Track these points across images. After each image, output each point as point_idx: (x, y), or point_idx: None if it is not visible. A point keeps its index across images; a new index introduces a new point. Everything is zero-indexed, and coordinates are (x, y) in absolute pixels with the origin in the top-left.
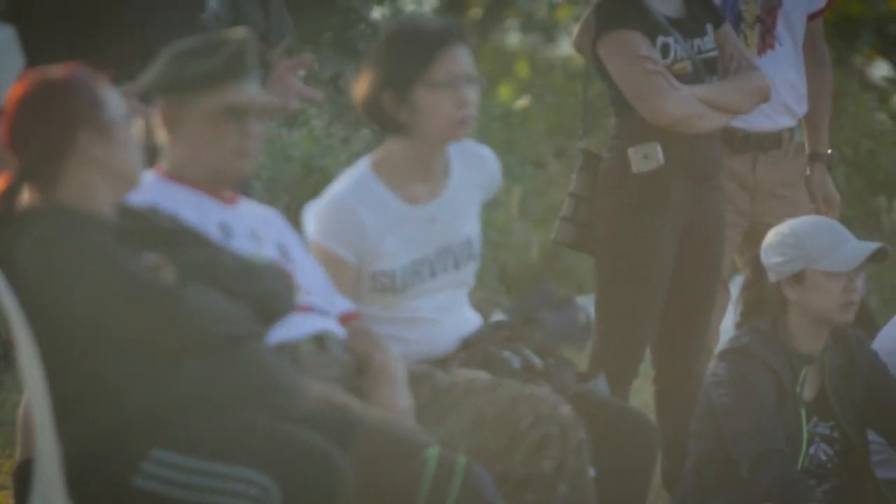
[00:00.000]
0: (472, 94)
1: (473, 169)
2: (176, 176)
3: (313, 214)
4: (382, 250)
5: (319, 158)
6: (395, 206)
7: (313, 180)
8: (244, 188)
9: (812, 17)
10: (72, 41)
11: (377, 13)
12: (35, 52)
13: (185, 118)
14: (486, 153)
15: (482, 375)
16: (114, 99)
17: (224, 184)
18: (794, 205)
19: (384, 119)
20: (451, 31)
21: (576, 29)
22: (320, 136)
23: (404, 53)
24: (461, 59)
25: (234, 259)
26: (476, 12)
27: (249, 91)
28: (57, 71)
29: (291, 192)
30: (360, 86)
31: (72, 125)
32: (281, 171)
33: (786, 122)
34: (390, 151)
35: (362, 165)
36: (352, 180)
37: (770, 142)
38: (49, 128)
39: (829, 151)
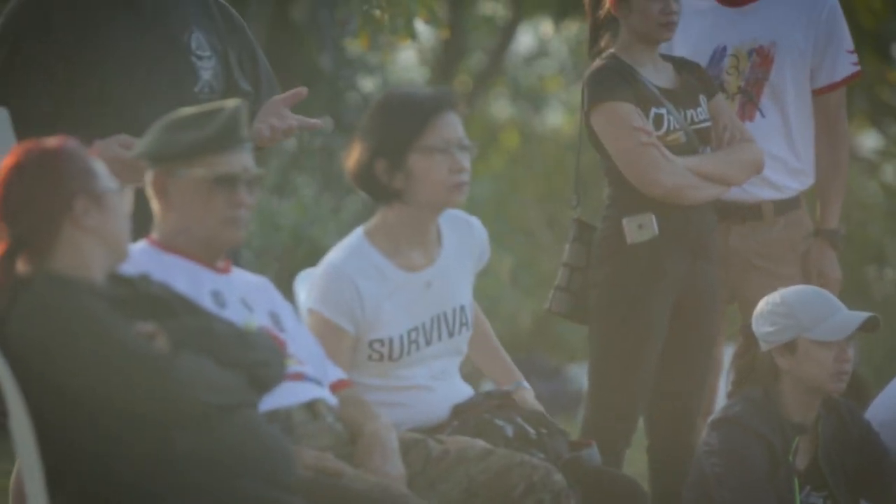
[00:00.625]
0: (466, 161)
1: (464, 237)
2: (167, 245)
3: (310, 283)
4: (379, 318)
5: (309, 228)
6: (392, 274)
7: (303, 250)
8: (235, 257)
9: (820, 92)
10: (63, 114)
11: (368, 84)
12: (27, 129)
13: (176, 188)
14: (475, 222)
15: (474, 443)
16: (103, 170)
17: (215, 253)
18: (776, 278)
19: (377, 187)
20: (443, 98)
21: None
22: (310, 205)
23: (397, 120)
24: (454, 126)
25: (227, 327)
26: (465, 81)
27: (240, 161)
28: (49, 141)
29: (281, 261)
30: (352, 155)
31: (68, 193)
32: (270, 240)
33: (765, 194)
34: (384, 219)
35: (357, 234)
36: (347, 249)
37: (746, 213)
38: (45, 196)
39: (841, 230)
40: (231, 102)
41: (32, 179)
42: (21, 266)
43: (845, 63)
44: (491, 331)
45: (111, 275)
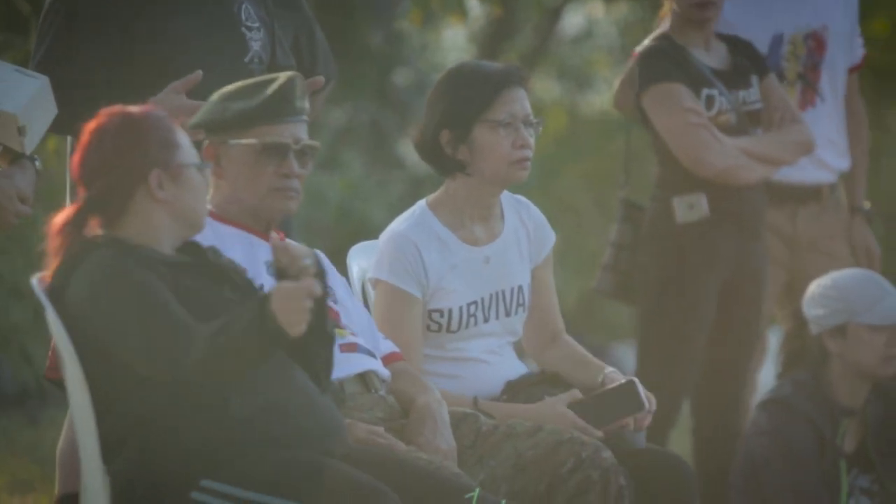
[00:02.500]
0: (530, 137)
1: (526, 221)
2: (221, 215)
3: (375, 254)
4: (441, 288)
5: (355, 203)
6: (454, 246)
7: (350, 224)
8: (286, 229)
9: (851, 71)
10: (117, 85)
11: (419, 61)
12: (79, 99)
13: (228, 157)
14: (536, 211)
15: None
16: (187, 142)
17: (266, 223)
18: (834, 258)
19: (441, 158)
20: (512, 73)
21: (616, 84)
22: (356, 180)
23: (466, 92)
24: (521, 101)
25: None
26: (512, 61)
27: (291, 131)
28: (135, 108)
29: (328, 235)
30: (419, 125)
31: (145, 164)
32: (317, 214)
33: (823, 176)
34: (448, 191)
35: (420, 205)
36: (411, 219)
37: (809, 195)
38: (122, 164)
39: (868, 206)
40: (285, 73)
41: (111, 146)
42: (94, 230)
43: (859, 45)
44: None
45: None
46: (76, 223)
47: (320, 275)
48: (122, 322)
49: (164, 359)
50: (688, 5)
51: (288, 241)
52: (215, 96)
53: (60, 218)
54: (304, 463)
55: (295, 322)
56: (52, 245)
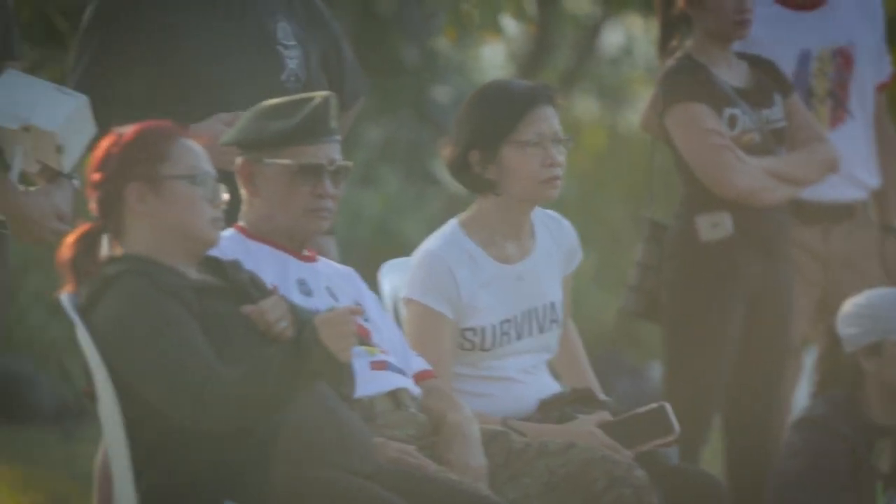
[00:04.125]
0: (560, 155)
1: (556, 237)
2: (254, 233)
3: (408, 274)
4: (473, 307)
5: (392, 219)
6: (486, 264)
7: (386, 241)
8: (321, 248)
9: (879, 88)
10: (154, 103)
11: (456, 80)
12: (117, 118)
13: (262, 176)
14: (567, 224)
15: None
16: (184, 154)
17: (299, 242)
18: (866, 276)
19: (471, 178)
20: (540, 92)
21: (645, 105)
22: (393, 197)
23: (493, 112)
24: (549, 119)
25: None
26: (551, 79)
27: (326, 151)
28: (129, 126)
29: (365, 252)
30: (449, 145)
31: (121, 179)
32: (354, 231)
33: (856, 194)
34: (479, 210)
35: (451, 224)
36: (442, 238)
37: (842, 213)
38: (104, 182)
39: None
40: (321, 93)
41: (97, 164)
42: (116, 248)
43: (887, 62)
44: (580, 345)
45: (204, 259)
46: (85, 241)
47: (302, 328)
48: (146, 365)
49: (187, 408)
50: (731, 23)
51: (264, 302)
52: (250, 113)
53: (72, 236)
54: (327, 482)
55: (344, 347)
56: (66, 263)
